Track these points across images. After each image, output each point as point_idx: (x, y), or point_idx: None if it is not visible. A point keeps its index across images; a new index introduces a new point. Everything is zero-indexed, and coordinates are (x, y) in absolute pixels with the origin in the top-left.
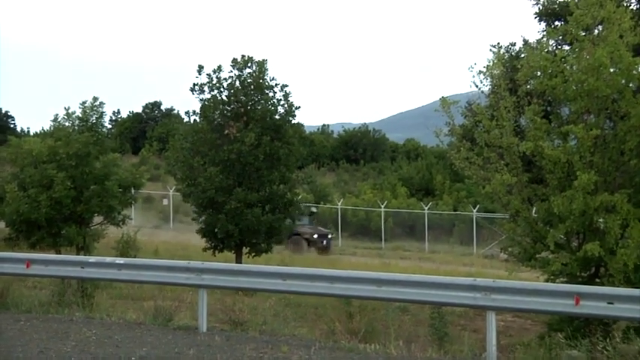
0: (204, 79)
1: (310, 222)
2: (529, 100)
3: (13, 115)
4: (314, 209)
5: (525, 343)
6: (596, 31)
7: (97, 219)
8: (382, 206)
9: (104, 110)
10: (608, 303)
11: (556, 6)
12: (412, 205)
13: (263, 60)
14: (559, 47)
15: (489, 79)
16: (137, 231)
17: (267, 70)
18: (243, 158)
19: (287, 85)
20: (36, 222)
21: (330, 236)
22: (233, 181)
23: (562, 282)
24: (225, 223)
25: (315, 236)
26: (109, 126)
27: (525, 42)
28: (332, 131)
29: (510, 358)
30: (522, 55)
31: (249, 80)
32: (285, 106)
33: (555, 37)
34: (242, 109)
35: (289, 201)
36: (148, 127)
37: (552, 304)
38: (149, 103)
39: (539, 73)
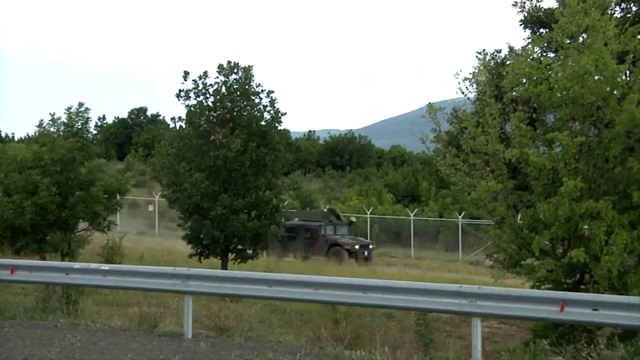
0: (189, 85)
1: (349, 232)
2: (514, 107)
3: None
4: (353, 219)
5: (510, 350)
6: (581, 39)
7: (82, 225)
8: (368, 212)
9: (89, 116)
10: (593, 309)
11: (541, 13)
12: (398, 212)
13: (249, 66)
14: (544, 54)
15: (475, 86)
16: (122, 237)
17: (253, 76)
18: (229, 164)
19: (273, 92)
20: (20, 228)
21: (371, 247)
22: (219, 187)
23: (547, 288)
24: (210, 229)
25: (357, 247)
26: (95, 132)
27: (511, 49)
28: (318, 137)
29: None
30: (508, 62)
31: (235, 86)
32: (272, 112)
33: (540, 44)
34: (228, 115)
35: (275, 207)
36: (134, 133)
37: (537, 311)
38: (135, 109)
39: (524, 80)
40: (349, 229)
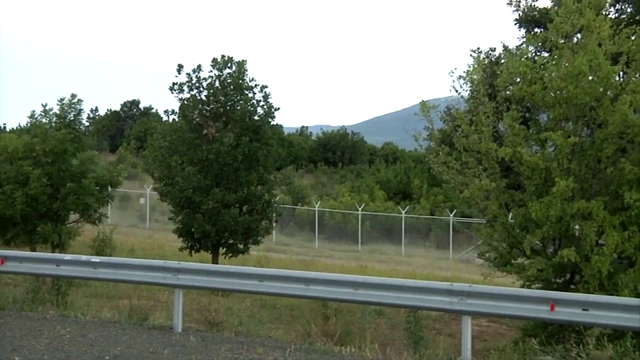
0: (183, 78)
1: None
2: (508, 105)
3: None
4: None
5: (500, 348)
6: (576, 39)
7: (73, 216)
8: (359, 209)
9: (82, 107)
10: (583, 309)
11: (536, 13)
12: (389, 209)
13: (243, 60)
14: (539, 54)
15: (469, 84)
16: (113, 229)
17: (246, 70)
18: (221, 158)
19: (266, 86)
20: (11, 218)
21: None
22: (211, 181)
23: (537, 288)
24: (202, 223)
25: None
26: (87, 123)
27: (505, 48)
28: (310, 133)
29: None
30: (502, 61)
31: (228, 80)
32: (265, 107)
33: (535, 43)
34: (221, 109)
35: (267, 202)
36: (126, 126)
37: (528, 310)
38: (127, 102)
39: (518, 80)
40: None
